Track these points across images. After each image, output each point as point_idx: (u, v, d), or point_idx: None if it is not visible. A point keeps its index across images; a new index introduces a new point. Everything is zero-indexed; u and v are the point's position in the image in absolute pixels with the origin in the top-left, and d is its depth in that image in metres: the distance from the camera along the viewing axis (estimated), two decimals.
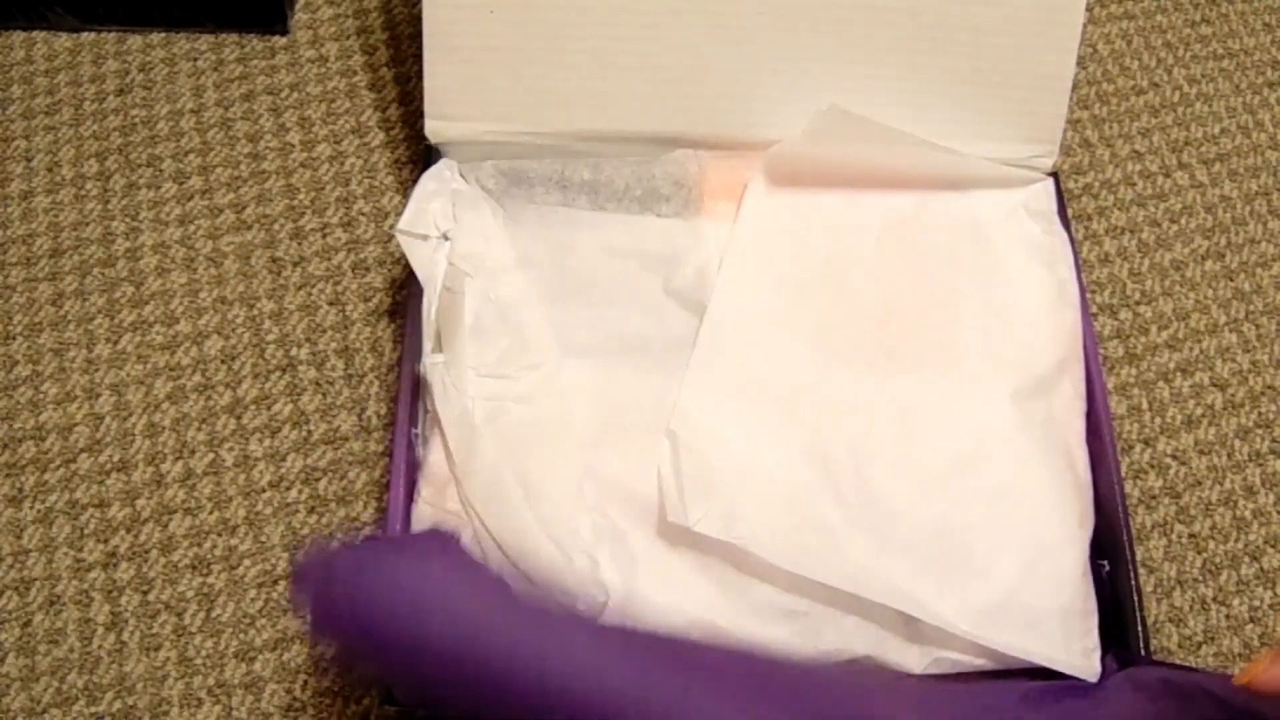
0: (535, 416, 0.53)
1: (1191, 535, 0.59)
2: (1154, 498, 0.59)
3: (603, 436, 0.53)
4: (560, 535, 0.50)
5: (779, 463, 0.53)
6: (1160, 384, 0.62)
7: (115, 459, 0.58)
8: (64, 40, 0.70)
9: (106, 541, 0.57)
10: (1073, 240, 0.59)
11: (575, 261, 0.57)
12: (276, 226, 0.65)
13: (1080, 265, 0.59)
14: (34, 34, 0.70)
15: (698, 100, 0.59)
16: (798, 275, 0.57)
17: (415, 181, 0.57)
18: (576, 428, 0.53)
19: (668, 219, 0.58)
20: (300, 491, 0.58)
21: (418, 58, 0.57)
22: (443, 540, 0.40)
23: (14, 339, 0.61)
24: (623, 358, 0.55)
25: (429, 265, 0.56)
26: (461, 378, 0.53)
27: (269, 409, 0.60)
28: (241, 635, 0.55)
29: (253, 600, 0.56)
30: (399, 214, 0.56)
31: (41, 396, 0.60)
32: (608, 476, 0.52)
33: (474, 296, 0.55)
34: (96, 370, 0.61)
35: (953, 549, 0.51)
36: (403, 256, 0.57)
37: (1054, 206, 0.59)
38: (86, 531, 0.57)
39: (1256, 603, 0.57)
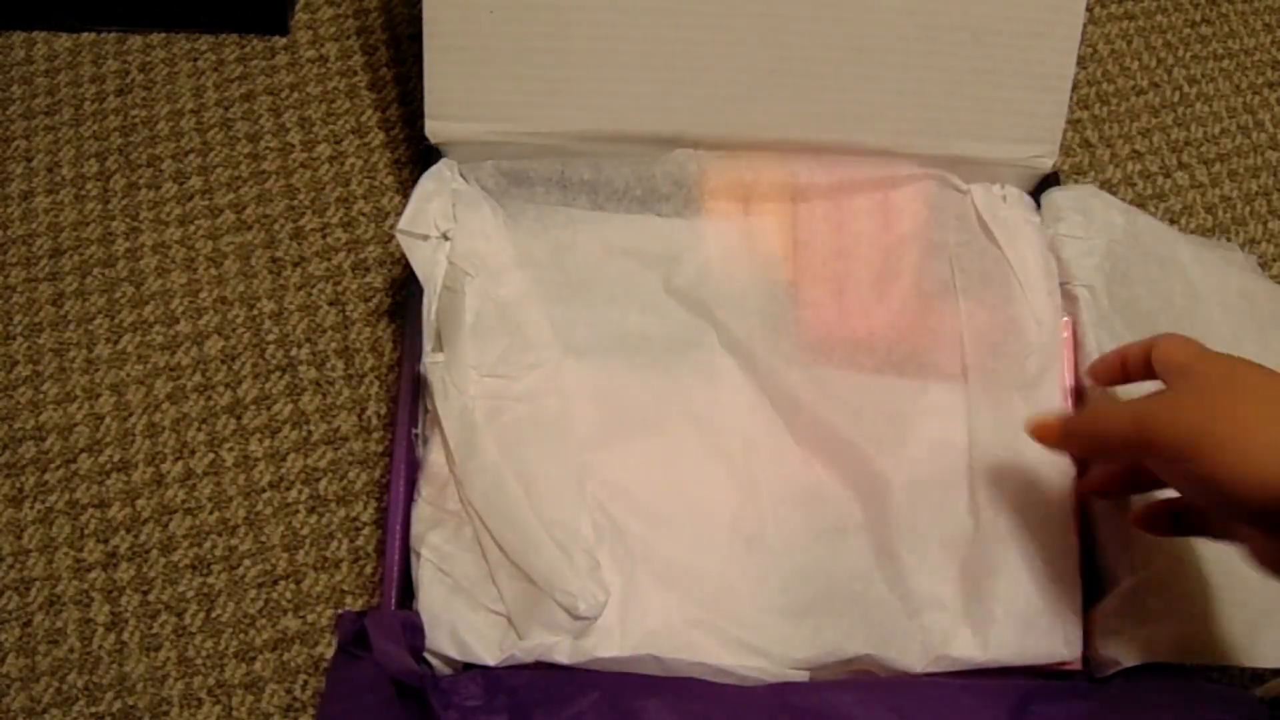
0: (535, 415, 0.53)
1: None
2: None
3: (603, 436, 0.53)
4: (561, 534, 0.50)
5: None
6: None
7: (115, 459, 0.58)
8: (64, 40, 0.70)
9: (106, 541, 0.57)
10: None
11: (575, 261, 0.57)
12: (276, 227, 0.65)
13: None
14: (34, 34, 0.70)
15: (698, 100, 0.59)
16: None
17: (415, 181, 0.57)
18: (576, 427, 0.53)
19: (668, 218, 0.58)
20: (300, 491, 0.58)
21: (418, 58, 0.57)
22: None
23: (14, 339, 0.61)
24: (623, 357, 0.55)
25: (429, 265, 0.56)
26: (462, 377, 0.53)
27: (269, 409, 0.60)
28: (241, 635, 0.55)
29: (253, 600, 0.56)
30: (399, 214, 0.56)
31: (42, 397, 0.60)
32: (608, 476, 0.52)
33: (474, 296, 0.55)
34: (96, 370, 0.61)
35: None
36: (403, 256, 0.57)
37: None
38: (86, 531, 0.57)
39: None
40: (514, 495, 0.50)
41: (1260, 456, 0.38)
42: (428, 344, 0.55)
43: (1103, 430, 0.44)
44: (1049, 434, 0.47)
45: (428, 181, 0.57)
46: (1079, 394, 0.55)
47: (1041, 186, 0.61)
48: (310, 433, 0.59)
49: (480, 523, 0.50)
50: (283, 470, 0.58)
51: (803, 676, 0.50)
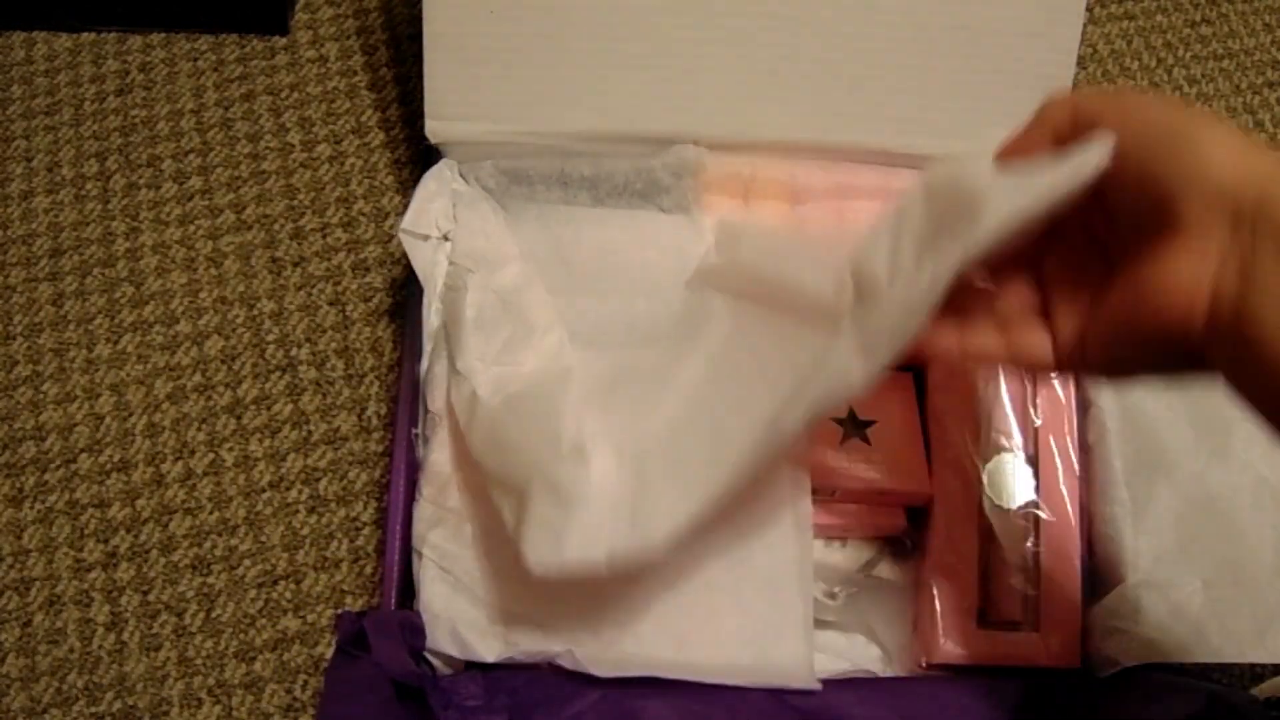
0: (538, 379, 0.52)
1: None
2: None
3: (605, 399, 0.53)
4: (551, 447, 0.48)
5: None
6: None
7: (115, 459, 0.58)
8: (64, 40, 0.70)
9: (106, 541, 0.57)
10: None
11: (577, 258, 0.57)
12: (276, 227, 0.65)
13: None
14: (34, 34, 0.70)
15: (698, 100, 0.59)
16: None
17: (415, 181, 0.57)
18: (578, 388, 0.53)
19: (669, 213, 0.58)
20: (300, 491, 0.58)
21: (418, 58, 0.57)
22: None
23: (14, 339, 0.61)
24: (626, 350, 0.55)
25: (430, 265, 0.56)
26: (470, 369, 0.53)
27: (269, 409, 0.60)
28: (241, 635, 0.55)
29: (253, 600, 0.56)
30: (399, 214, 0.56)
31: (41, 397, 0.60)
32: (610, 425, 0.50)
33: (475, 291, 0.55)
34: (96, 370, 0.61)
35: None
36: (403, 256, 0.57)
37: None
38: (86, 531, 0.57)
39: None
40: (510, 428, 0.49)
41: (1227, 154, 0.33)
42: (428, 344, 0.55)
43: (1076, 103, 0.38)
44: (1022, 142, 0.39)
45: (429, 181, 0.57)
46: (1080, 394, 0.55)
47: None
48: (310, 433, 0.59)
49: (482, 469, 0.49)
50: (283, 470, 0.58)
51: (814, 685, 0.49)
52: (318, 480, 0.58)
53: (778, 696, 0.48)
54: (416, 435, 0.54)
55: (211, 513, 0.57)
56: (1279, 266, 0.32)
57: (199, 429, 0.59)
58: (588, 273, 0.57)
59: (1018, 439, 0.55)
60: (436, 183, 0.57)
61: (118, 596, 0.56)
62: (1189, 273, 0.34)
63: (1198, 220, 0.34)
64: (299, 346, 0.61)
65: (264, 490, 0.58)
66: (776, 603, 0.50)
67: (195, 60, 0.70)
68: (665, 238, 0.58)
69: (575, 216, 0.58)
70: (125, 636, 0.55)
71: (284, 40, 0.70)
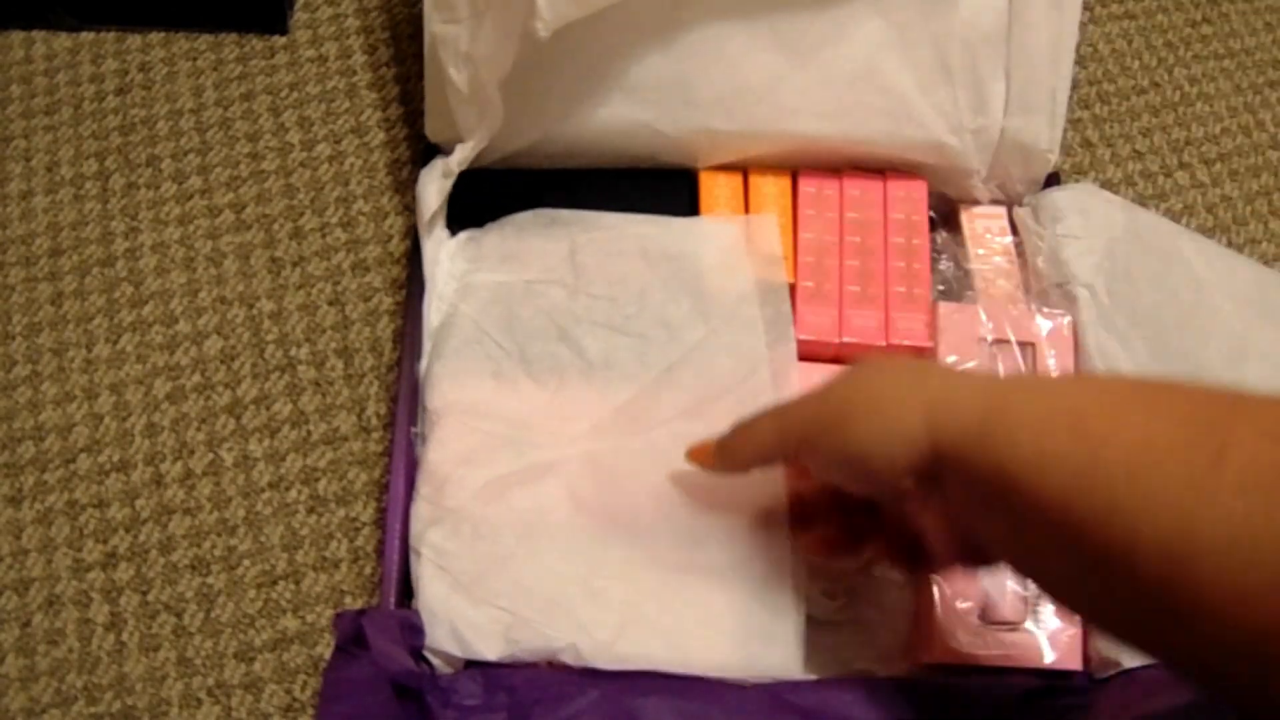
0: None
1: None
2: None
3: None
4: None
5: None
6: None
7: (115, 459, 0.58)
8: (64, 40, 0.70)
9: (106, 541, 0.57)
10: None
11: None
12: (276, 226, 0.65)
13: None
14: (34, 34, 0.70)
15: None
16: None
17: (415, 181, 0.57)
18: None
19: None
20: (300, 491, 0.58)
21: (417, 57, 0.57)
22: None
23: (13, 339, 0.61)
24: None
25: (432, 265, 0.56)
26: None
27: (268, 409, 0.60)
28: (241, 635, 0.55)
29: (252, 600, 0.56)
30: (399, 213, 0.56)
31: (41, 396, 0.60)
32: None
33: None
34: (96, 370, 0.61)
35: None
36: (403, 256, 0.57)
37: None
38: (86, 532, 0.57)
39: None
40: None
41: (899, 416, 0.39)
42: (427, 343, 0.55)
43: (750, 437, 0.46)
44: (704, 456, 0.49)
45: (430, 178, 0.57)
46: None
47: (1042, 187, 0.61)
48: (310, 433, 0.59)
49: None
50: (282, 470, 0.58)
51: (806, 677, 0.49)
52: (317, 480, 0.58)
53: (777, 695, 0.48)
54: (416, 435, 0.54)
55: (211, 513, 0.57)
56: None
57: (198, 429, 0.59)
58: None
59: None
60: (437, 180, 0.57)
61: (117, 597, 0.56)
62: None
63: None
64: (298, 346, 0.61)
65: (263, 490, 0.58)
66: (770, 607, 0.50)
67: (194, 60, 0.70)
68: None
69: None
70: (124, 637, 0.55)
71: (283, 40, 0.70)
